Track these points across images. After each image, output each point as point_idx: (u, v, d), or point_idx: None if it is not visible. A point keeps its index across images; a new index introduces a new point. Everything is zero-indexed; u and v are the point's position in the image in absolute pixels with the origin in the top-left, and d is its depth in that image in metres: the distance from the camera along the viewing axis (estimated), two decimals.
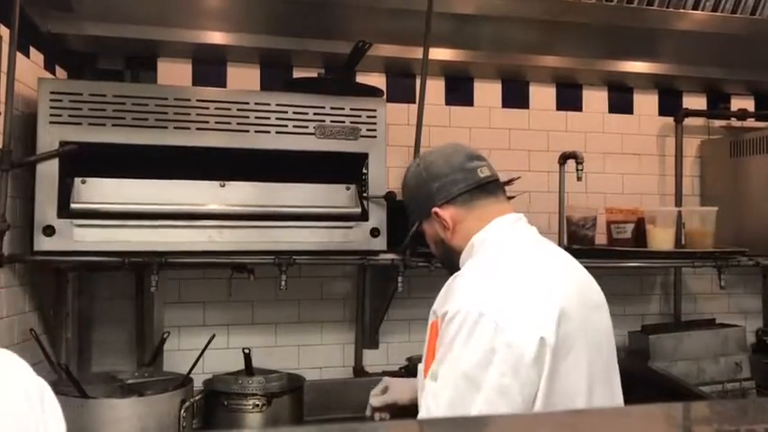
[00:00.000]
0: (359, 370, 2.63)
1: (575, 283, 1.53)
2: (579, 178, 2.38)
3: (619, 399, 1.54)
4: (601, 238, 2.70)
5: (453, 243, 1.62)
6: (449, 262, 1.66)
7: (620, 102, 2.99)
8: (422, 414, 1.40)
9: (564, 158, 2.53)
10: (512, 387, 1.34)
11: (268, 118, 2.13)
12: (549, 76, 2.87)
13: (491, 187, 1.62)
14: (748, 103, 3.10)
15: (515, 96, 2.86)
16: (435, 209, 1.61)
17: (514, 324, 1.36)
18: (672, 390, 2.39)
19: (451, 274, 1.62)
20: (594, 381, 1.46)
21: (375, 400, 1.91)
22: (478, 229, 1.58)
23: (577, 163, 2.38)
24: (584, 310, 1.49)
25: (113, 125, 2.03)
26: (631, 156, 2.99)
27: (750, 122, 3.03)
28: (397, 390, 1.90)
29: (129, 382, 2.13)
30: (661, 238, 2.59)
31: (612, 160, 2.95)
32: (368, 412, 1.93)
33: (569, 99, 2.93)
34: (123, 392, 2.08)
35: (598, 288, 1.59)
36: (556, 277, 1.51)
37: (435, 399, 1.37)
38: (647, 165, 3.01)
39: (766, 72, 2.92)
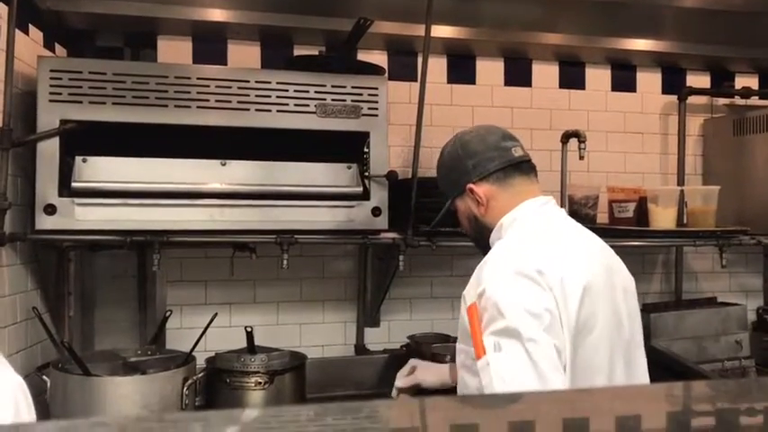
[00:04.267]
0: (360, 348, 2.65)
1: (601, 264, 1.58)
2: (582, 157, 2.37)
3: (643, 379, 1.60)
4: (602, 218, 2.70)
5: (486, 220, 1.67)
6: (481, 238, 1.71)
7: (623, 80, 2.97)
8: (491, 387, 1.37)
9: (566, 137, 2.52)
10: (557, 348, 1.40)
11: (269, 96, 2.12)
12: (552, 54, 2.84)
13: (524, 167, 1.68)
14: (752, 81, 3.07)
15: (518, 74, 2.84)
16: (470, 185, 1.65)
17: (545, 293, 1.42)
18: (672, 368, 2.40)
19: (482, 251, 1.70)
20: (616, 360, 1.52)
21: (401, 381, 1.96)
22: (511, 207, 1.63)
23: (580, 141, 2.38)
24: (610, 290, 1.55)
25: (114, 103, 2.03)
26: (634, 134, 2.97)
27: (754, 100, 3.01)
28: (423, 372, 1.94)
29: (132, 360, 2.14)
30: (663, 217, 2.59)
31: (615, 139, 2.94)
32: (393, 393, 1.97)
33: (572, 77, 2.91)
34: (126, 370, 2.09)
35: (627, 272, 1.65)
36: (581, 257, 1.55)
37: (510, 363, 1.36)
38: (650, 143, 3.00)
39: None
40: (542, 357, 1.36)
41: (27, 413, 1.11)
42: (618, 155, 2.94)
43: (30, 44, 2.10)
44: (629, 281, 1.65)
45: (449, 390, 1.87)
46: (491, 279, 1.45)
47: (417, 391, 1.94)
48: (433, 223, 1.89)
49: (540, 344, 1.37)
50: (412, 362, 2.01)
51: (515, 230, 1.60)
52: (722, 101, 3.05)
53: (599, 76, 2.94)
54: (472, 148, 1.67)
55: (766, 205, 2.67)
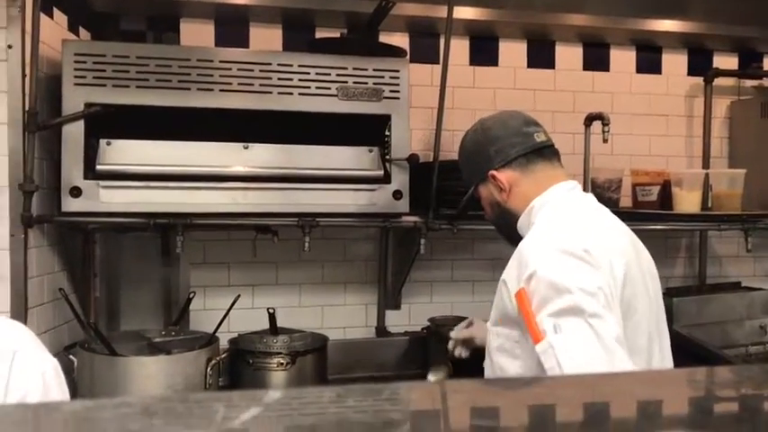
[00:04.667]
0: (381, 330, 2.66)
1: (634, 250, 1.58)
2: (605, 140, 2.35)
3: (669, 362, 1.61)
4: (626, 201, 2.68)
5: (509, 206, 1.65)
6: (504, 225, 1.70)
7: (649, 61, 2.93)
8: (560, 370, 1.33)
9: (590, 120, 2.50)
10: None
11: (291, 79, 2.12)
12: (576, 36, 2.81)
13: (547, 152, 1.66)
14: None
15: (541, 56, 2.81)
16: (492, 171, 1.64)
17: (596, 271, 1.42)
18: (695, 353, 2.38)
19: (506, 238, 1.72)
20: (653, 342, 1.54)
21: (458, 332, 1.99)
22: (536, 193, 1.62)
23: (603, 124, 2.35)
24: (643, 275, 1.56)
25: (137, 87, 2.04)
26: (659, 117, 2.93)
27: None
28: (480, 328, 1.95)
29: (157, 340, 2.17)
30: (687, 201, 2.56)
31: (639, 121, 2.90)
32: (450, 345, 2.00)
33: (596, 59, 2.87)
34: (151, 350, 2.12)
35: (649, 255, 1.65)
36: (617, 242, 1.55)
37: (575, 342, 1.34)
38: (675, 126, 2.96)
39: None
40: (607, 332, 1.34)
41: (58, 395, 1.14)
42: (642, 138, 2.91)
43: (54, 28, 2.11)
44: (652, 265, 1.65)
45: None
46: (540, 260, 1.43)
47: (472, 344, 1.96)
48: (458, 210, 1.89)
49: (603, 319, 1.35)
50: (470, 318, 2.04)
51: (549, 213, 1.58)
52: (749, 83, 3.00)
53: (624, 58, 2.90)
54: (494, 134, 1.66)
55: None
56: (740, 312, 2.72)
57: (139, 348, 2.12)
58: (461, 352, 1.98)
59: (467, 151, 1.74)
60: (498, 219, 1.72)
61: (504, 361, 1.54)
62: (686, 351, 2.44)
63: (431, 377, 2.03)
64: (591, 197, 1.68)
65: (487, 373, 1.64)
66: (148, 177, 2.06)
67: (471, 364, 1.98)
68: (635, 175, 2.67)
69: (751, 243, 2.54)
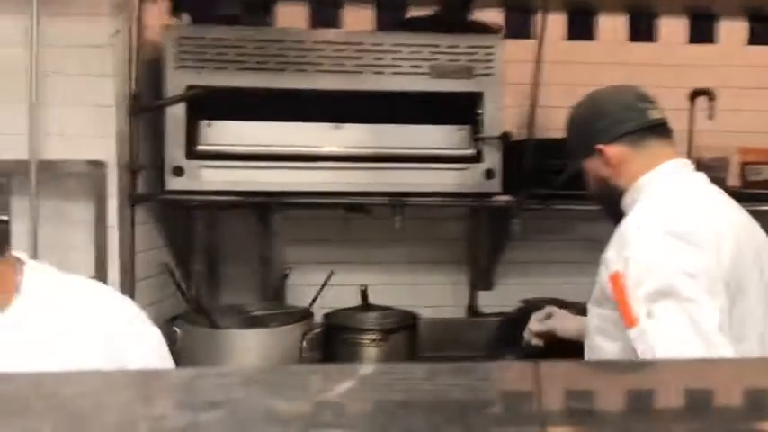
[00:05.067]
0: (473, 310, 2.65)
1: (747, 232, 1.51)
2: (711, 117, 2.23)
3: None
4: (734, 180, 2.54)
5: (616, 182, 1.60)
6: (608, 202, 1.65)
7: (762, 32, 2.74)
8: (659, 354, 1.29)
9: (695, 95, 2.38)
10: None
11: (382, 59, 2.13)
12: (681, 7, 2.66)
13: (661, 130, 1.60)
14: None
15: (642, 29, 2.69)
16: (600, 146, 1.59)
17: (700, 253, 1.36)
18: None
19: (609, 215, 1.65)
20: (766, 334, 1.46)
21: (536, 324, 1.95)
22: (645, 170, 1.56)
23: (710, 100, 2.23)
24: (756, 255, 1.48)
25: (236, 69, 2.10)
26: None
27: None
28: (561, 320, 1.92)
29: (255, 314, 2.25)
30: None
31: (749, 96, 2.73)
32: (526, 334, 1.96)
33: (703, 30, 2.72)
34: (250, 324, 2.20)
35: (765, 237, 1.56)
36: (728, 223, 1.47)
37: (669, 327, 1.30)
38: None
39: None
40: (704, 318, 1.28)
41: (169, 363, 1.20)
42: (752, 113, 2.73)
43: (157, 13, 2.20)
44: None
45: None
46: (638, 241, 1.39)
47: (551, 338, 1.91)
48: (558, 183, 1.84)
49: (700, 304, 1.29)
50: (549, 308, 1.99)
51: (655, 191, 1.52)
52: None
53: (734, 29, 2.73)
54: (605, 108, 1.61)
55: None
56: None
57: (239, 321, 2.20)
58: (537, 342, 1.94)
59: (574, 124, 1.69)
60: (604, 195, 1.66)
61: (602, 342, 1.50)
62: None
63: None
64: (702, 176, 1.60)
65: (587, 354, 1.60)
66: (246, 157, 2.12)
67: (547, 354, 1.95)
68: (744, 154, 2.53)
69: None
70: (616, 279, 1.39)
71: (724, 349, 1.27)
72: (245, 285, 2.56)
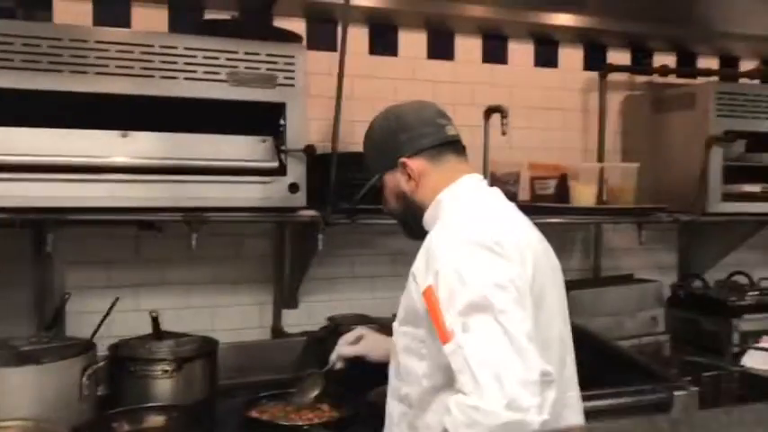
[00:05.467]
0: (277, 331, 2.54)
1: (541, 243, 1.57)
2: (504, 133, 2.33)
3: (572, 354, 1.60)
4: (524, 194, 2.67)
5: (416, 197, 1.61)
6: (408, 217, 1.65)
7: (546, 55, 2.94)
8: (469, 372, 1.28)
9: (489, 112, 2.47)
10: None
11: (175, 63, 1.96)
12: (476, 27, 2.78)
13: (457, 146, 1.64)
14: (671, 60, 3.10)
15: (441, 47, 2.77)
16: (403, 159, 1.59)
17: (508, 264, 1.38)
18: (592, 345, 2.40)
19: (408, 231, 1.67)
20: (563, 334, 1.54)
21: (346, 348, 1.89)
22: (444, 185, 1.58)
23: (502, 117, 2.33)
24: (551, 268, 1.56)
25: (1, 68, 1.82)
26: (556, 110, 2.95)
27: (672, 78, 3.04)
28: (372, 343, 1.87)
29: (26, 348, 1.96)
30: (584, 195, 2.59)
31: (537, 115, 2.91)
32: (333, 357, 1.90)
33: (495, 51, 2.86)
34: (19, 360, 1.91)
35: (553, 250, 1.64)
36: (527, 235, 1.52)
37: (484, 341, 1.29)
38: (572, 120, 2.99)
39: (688, 28, 2.92)
40: (517, 330, 1.29)
41: None
42: (540, 131, 2.92)
43: None
44: (556, 258, 1.63)
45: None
46: (448, 254, 1.38)
47: (360, 361, 1.87)
48: (356, 198, 1.80)
49: (512, 315, 1.30)
50: (360, 329, 1.94)
51: (458, 206, 1.54)
52: (641, 78, 3.07)
53: (522, 51, 2.90)
54: (407, 121, 1.62)
55: (682, 183, 2.70)
56: (633, 304, 2.78)
57: (5, 358, 1.90)
58: (342, 365, 1.91)
59: (375, 137, 1.67)
60: (402, 211, 1.66)
61: (410, 362, 1.47)
62: (582, 344, 2.45)
63: (303, 396, 1.93)
64: (497, 191, 1.65)
65: (392, 375, 1.56)
66: (15, 168, 1.85)
67: (350, 375, 1.91)
68: (533, 169, 2.68)
69: (644, 236, 2.59)
70: (429, 294, 1.37)
71: (535, 361, 1.29)
72: (17, 315, 2.24)
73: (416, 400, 1.47)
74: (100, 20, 2.32)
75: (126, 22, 2.36)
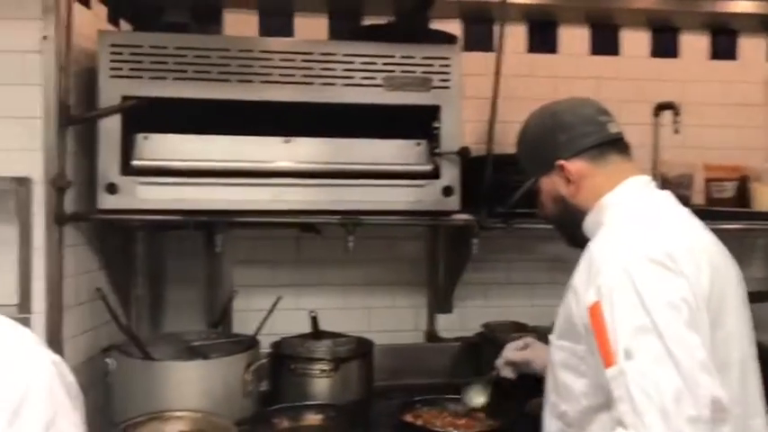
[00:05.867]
0: (431, 335, 2.52)
1: (718, 250, 1.42)
2: (676, 131, 2.16)
3: (758, 376, 1.42)
4: (698, 198, 2.47)
5: (576, 201, 1.50)
6: (567, 223, 1.54)
7: (724, 46, 2.70)
8: (637, 399, 1.17)
9: (659, 109, 2.31)
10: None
11: (334, 69, 2.00)
12: (643, 20, 2.61)
13: (621, 145, 1.52)
14: None
15: (605, 42, 2.63)
16: (561, 161, 1.49)
17: (680, 280, 1.25)
18: None
19: (566, 237, 1.57)
20: (746, 354, 1.38)
21: (513, 353, 1.82)
22: (608, 188, 1.46)
23: (674, 114, 2.17)
24: (731, 281, 1.40)
25: (175, 78, 1.95)
26: (735, 106, 2.70)
27: None
28: (539, 352, 1.77)
29: (196, 343, 2.09)
30: (767, 197, 2.35)
31: (712, 111, 2.68)
32: (499, 362, 1.84)
33: (665, 45, 2.67)
34: (189, 354, 2.04)
35: (734, 259, 1.47)
36: (702, 245, 1.37)
37: (649, 369, 1.17)
38: (753, 116, 2.72)
39: None
40: (688, 358, 1.17)
41: (60, 394, 1.04)
42: (716, 129, 2.68)
43: (92, 19, 2.05)
44: (738, 269, 1.46)
45: None
46: (613, 269, 1.26)
47: (524, 367, 1.80)
48: (510, 202, 1.73)
49: (684, 340, 1.18)
50: (527, 340, 1.85)
51: (623, 212, 1.42)
52: None
53: (696, 43, 2.69)
54: (565, 120, 1.51)
55: None
56: None
57: (177, 352, 2.04)
58: (508, 373, 1.82)
59: (530, 138, 1.58)
60: (561, 215, 1.55)
61: (568, 378, 1.38)
62: None
63: (471, 401, 1.89)
64: (668, 194, 1.50)
65: (549, 390, 1.48)
66: (187, 173, 1.97)
67: (518, 386, 1.83)
68: (709, 170, 2.48)
69: None
70: (594, 311, 1.26)
71: (706, 393, 1.16)
72: (189, 310, 2.40)
73: (575, 419, 1.38)
74: (265, 30, 2.43)
75: (289, 32, 2.45)
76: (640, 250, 1.27)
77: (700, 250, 1.33)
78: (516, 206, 1.75)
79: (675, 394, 1.14)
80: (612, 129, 1.51)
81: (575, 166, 1.48)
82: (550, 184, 1.53)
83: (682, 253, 1.27)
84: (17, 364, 1.00)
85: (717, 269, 1.33)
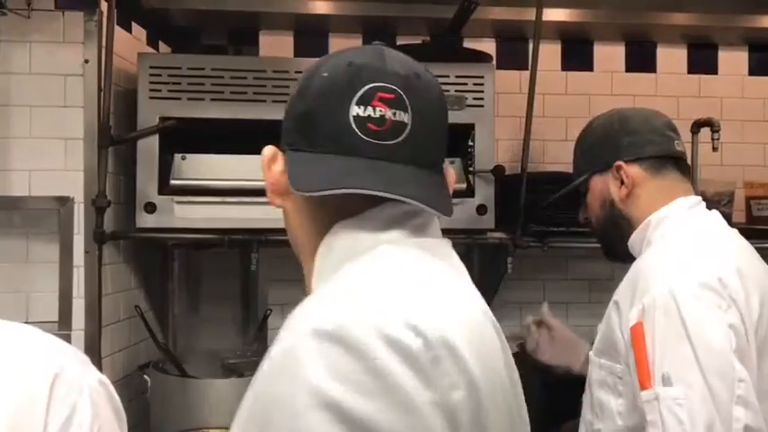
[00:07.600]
0: None
1: (766, 273, 1.38)
2: (715, 148, 2.12)
3: None
4: (739, 216, 2.42)
5: (624, 208, 1.48)
6: (609, 229, 1.52)
7: (762, 62, 2.66)
8: (669, 426, 1.16)
9: (697, 126, 2.27)
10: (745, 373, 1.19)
11: None
12: (680, 36, 2.58)
13: (682, 164, 1.51)
14: None
15: (641, 59, 2.60)
16: (620, 162, 1.47)
17: (730, 306, 1.22)
18: None
19: (607, 249, 1.55)
20: None
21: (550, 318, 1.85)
22: (659, 202, 1.44)
23: (713, 131, 2.13)
24: None
25: (212, 99, 1.99)
26: None
27: None
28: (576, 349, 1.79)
29: (232, 361, 2.11)
30: None
31: (753, 128, 2.63)
32: (528, 320, 1.89)
33: (703, 61, 2.63)
34: (225, 372, 2.06)
35: None
36: (752, 268, 1.34)
37: (685, 399, 1.16)
38: None
39: None
40: (725, 389, 1.15)
41: (108, 413, 1.05)
42: (757, 146, 2.63)
43: (132, 42, 2.10)
44: None
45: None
46: (664, 289, 1.24)
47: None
48: (553, 198, 1.70)
49: (723, 372, 1.16)
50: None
51: (673, 231, 1.39)
52: None
53: (734, 59, 2.64)
54: (633, 125, 1.51)
55: None
56: None
57: (213, 369, 2.06)
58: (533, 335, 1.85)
59: (592, 137, 1.57)
60: (604, 221, 1.52)
61: (605, 397, 1.36)
62: None
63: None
64: (716, 214, 1.47)
65: (586, 408, 1.46)
66: (223, 192, 2.00)
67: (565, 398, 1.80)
68: (749, 188, 2.43)
69: None
70: (637, 331, 1.24)
71: (740, 422, 1.13)
72: (225, 328, 2.42)
73: None
74: (300, 51, 2.46)
75: (324, 52, 2.42)
76: (690, 273, 1.25)
77: (750, 274, 1.30)
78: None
79: (708, 426, 1.12)
80: (678, 146, 1.51)
81: (632, 169, 1.47)
82: (602, 184, 1.51)
83: (732, 277, 1.25)
84: (65, 382, 1.00)
85: (765, 294, 1.29)
